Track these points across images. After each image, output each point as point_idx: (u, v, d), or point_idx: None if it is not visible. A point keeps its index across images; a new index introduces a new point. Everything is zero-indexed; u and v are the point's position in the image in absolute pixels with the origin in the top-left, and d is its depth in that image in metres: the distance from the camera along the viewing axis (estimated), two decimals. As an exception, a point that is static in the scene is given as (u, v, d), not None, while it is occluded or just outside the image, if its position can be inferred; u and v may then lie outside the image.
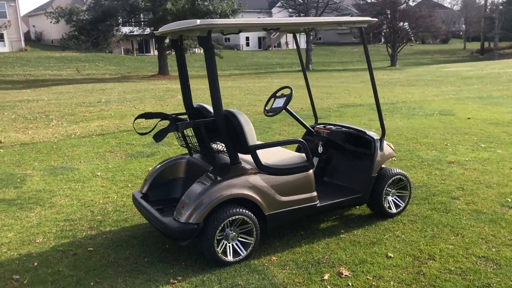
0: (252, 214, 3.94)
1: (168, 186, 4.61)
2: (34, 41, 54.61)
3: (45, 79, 28.68)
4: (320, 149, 5.17)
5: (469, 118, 10.68)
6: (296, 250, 4.16)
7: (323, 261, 3.94)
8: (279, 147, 4.73)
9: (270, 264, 3.91)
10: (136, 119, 4.48)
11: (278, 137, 8.92)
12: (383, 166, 4.93)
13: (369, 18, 4.46)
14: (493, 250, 4.05)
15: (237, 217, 3.85)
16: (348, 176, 4.98)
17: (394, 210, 4.84)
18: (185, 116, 4.61)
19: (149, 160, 7.36)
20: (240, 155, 4.18)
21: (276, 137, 8.96)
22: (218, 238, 3.82)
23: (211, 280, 3.65)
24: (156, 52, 38.27)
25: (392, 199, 4.88)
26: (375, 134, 4.83)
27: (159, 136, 3.79)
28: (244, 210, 3.89)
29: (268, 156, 4.34)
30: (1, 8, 44.90)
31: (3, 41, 45.65)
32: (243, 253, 3.95)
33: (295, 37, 5.54)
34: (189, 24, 3.73)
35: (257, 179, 4.00)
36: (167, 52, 34.48)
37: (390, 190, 4.83)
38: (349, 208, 5.09)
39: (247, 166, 4.09)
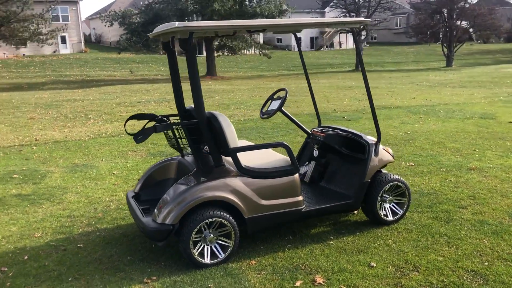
0: (230, 217, 3.92)
1: (158, 186, 4.68)
2: (94, 43, 57.08)
3: (100, 79, 29.95)
4: (315, 153, 5.08)
5: (510, 122, 10.09)
6: (278, 254, 4.10)
7: (302, 267, 3.86)
8: (269, 150, 4.69)
9: (248, 267, 3.88)
10: (127, 120, 4.59)
11: (300, 139, 8.81)
12: (382, 171, 4.78)
13: (362, 19, 4.33)
14: (486, 264, 3.81)
15: (214, 219, 3.85)
16: (342, 181, 4.86)
17: (390, 218, 4.66)
18: (177, 118, 4.67)
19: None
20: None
21: (298, 138, 8.86)
22: (194, 240, 3.83)
23: (184, 281, 3.68)
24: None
25: (389, 206, 4.70)
26: (371, 139, 4.67)
27: (138, 137, 3.86)
28: (221, 213, 3.88)
29: (252, 159, 4.32)
30: (63, 12, 47.30)
31: (65, 43, 48.08)
32: (221, 255, 3.95)
33: (296, 38, 5.46)
34: (169, 27, 3.78)
35: (237, 182, 3.98)
36: (218, 54, 35.03)
37: (387, 196, 4.66)
38: (345, 214, 4.96)
39: (230, 169, 4.08)
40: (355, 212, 4.96)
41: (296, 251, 4.17)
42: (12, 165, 7.45)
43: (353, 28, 4.38)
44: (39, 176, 6.73)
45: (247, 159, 4.34)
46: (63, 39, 48.03)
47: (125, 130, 4.93)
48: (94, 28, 59.99)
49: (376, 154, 4.58)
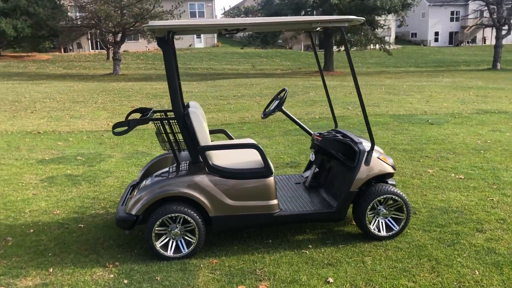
0: (195, 214, 3.99)
1: None
2: (227, 38, 59.98)
3: (222, 73, 31.55)
4: (311, 157, 4.87)
5: None
6: (245, 257, 4.07)
7: (257, 272, 3.79)
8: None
9: (206, 266, 3.92)
10: (129, 114, 4.86)
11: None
12: (390, 182, 4.44)
13: (351, 17, 4.02)
14: (456, 297, 3.35)
15: (177, 215, 3.96)
16: (332, 188, 4.60)
17: (383, 233, 4.30)
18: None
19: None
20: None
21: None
22: (158, 232, 3.98)
23: (138, 270, 3.85)
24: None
25: (384, 221, 4.34)
26: (367, 146, 4.33)
27: (115, 129, 4.11)
28: (185, 209, 3.97)
29: (229, 158, 4.32)
30: (200, 8, 50.58)
31: (200, 37, 51.39)
32: (185, 250, 4.04)
33: (310, 36, 5.25)
34: (150, 25, 3.93)
35: (205, 180, 4.03)
36: (338, 49, 34.52)
37: (382, 210, 4.30)
38: (342, 223, 4.69)
39: (203, 167, 4.14)
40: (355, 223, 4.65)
41: (265, 255, 4.08)
42: (85, 148, 8.35)
43: (341, 27, 4.10)
44: (98, 160, 7.44)
45: (225, 158, 4.36)
46: (198, 34, 51.33)
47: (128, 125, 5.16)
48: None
49: (367, 163, 4.24)
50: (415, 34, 62.14)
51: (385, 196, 4.25)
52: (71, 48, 45.51)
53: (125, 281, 3.67)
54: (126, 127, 4.22)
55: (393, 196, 4.26)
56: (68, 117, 11.81)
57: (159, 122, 4.25)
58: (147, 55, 43.06)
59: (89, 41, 46.51)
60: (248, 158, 4.27)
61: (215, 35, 52.72)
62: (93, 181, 6.32)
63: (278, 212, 4.16)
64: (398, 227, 4.33)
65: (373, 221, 4.32)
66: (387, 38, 52.76)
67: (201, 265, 3.93)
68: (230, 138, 5.25)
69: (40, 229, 4.72)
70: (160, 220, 3.95)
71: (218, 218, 4.06)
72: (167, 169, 4.36)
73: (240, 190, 4.08)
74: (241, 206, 4.08)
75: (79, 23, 30.90)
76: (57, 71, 30.65)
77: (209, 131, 5.14)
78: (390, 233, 4.32)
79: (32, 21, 33.04)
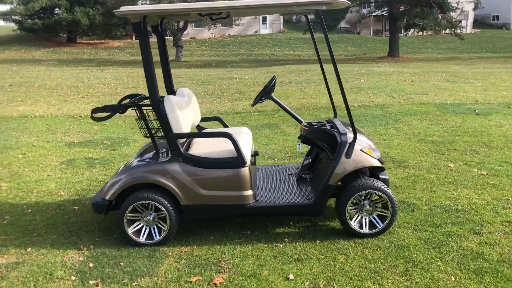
0: (166, 202, 3.98)
1: None
2: (295, 23, 59.41)
3: (282, 59, 31.34)
4: (298, 147, 4.67)
5: None
6: (216, 247, 4.01)
7: (221, 264, 3.72)
8: (243, 138, 4.50)
9: (174, 254, 3.91)
10: (122, 100, 4.91)
11: (394, 131, 7.96)
12: (382, 176, 4.19)
13: None
14: (416, 305, 3.09)
15: (148, 202, 3.97)
16: (315, 180, 4.39)
17: (365, 230, 4.05)
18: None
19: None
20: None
21: (390, 130, 8.02)
22: (129, 218, 4.02)
23: (108, 255, 3.90)
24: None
25: (367, 218, 4.08)
26: (350, 138, 4.07)
27: (93, 113, 4.16)
28: (156, 196, 3.96)
29: (205, 147, 4.25)
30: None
31: (266, 23, 51.30)
32: (156, 238, 4.05)
33: (306, 19, 5.00)
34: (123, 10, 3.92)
35: (177, 168, 4.00)
36: (405, 33, 33.03)
37: (365, 205, 4.04)
38: (330, 218, 4.48)
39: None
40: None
41: (236, 247, 4.00)
42: (116, 132, 8.64)
43: (318, 10, 3.85)
44: (122, 144, 7.67)
45: (202, 146, 4.30)
46: (264, 20, 51.31)
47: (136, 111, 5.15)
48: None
49: (348, 155, 3.99)
50: (497, 17, 57.96)
51: (367, 191, 3.98)
52: (141, 35, 47.24)
53: (91, 265, 3.75)
54: (109, 113, 4.29)
55: (376, 192, 3.98)
56: (113, 102, 12.26)
57: (136, 108, 4.25)
58: (212, 41, 43.73)
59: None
60: (225, 147, 4.18)
61: (281, 20, 52.41)
62: (108, 164, 6.51)
63: (252, 204, 4.05)
64: (382, 225, 4.05)
65: (356, 217, 4.08)
66: (463, 22, 49.69)
67: (170, 253, 3.93)
68: (225, 126, 5.17)
69: (38, 210, 4.94)
70: (132, 207, 3.98)
71: (189, 207, 4.02)
72: (145, 155, 4.38)
73: (212, 179, 4.00)
74: (212, 196, 4.01)
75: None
76: (125, 58, 32.01)
77: (203, 118, 5.11)
78: (373, 231, 4.06)
79: (104, 9, 34.64)
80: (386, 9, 31.25)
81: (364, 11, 37.17)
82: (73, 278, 3.57)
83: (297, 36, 46.21)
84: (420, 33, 42.55)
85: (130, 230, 4.03)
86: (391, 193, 4.01)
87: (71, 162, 6.67)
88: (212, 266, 3.69)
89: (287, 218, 4.53)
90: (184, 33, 47.28)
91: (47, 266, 3.74)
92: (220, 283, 3.44)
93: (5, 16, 32.96)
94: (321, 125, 4.50)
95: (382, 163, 4.13)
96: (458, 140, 7.16)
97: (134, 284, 3.47)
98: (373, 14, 33.89)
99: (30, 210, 4.92)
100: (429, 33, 31.68)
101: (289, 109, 4.93)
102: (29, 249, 4.04)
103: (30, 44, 36.66)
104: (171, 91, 4.83)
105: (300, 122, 4.81)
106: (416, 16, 29.52)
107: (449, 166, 5.91)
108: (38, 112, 10.66)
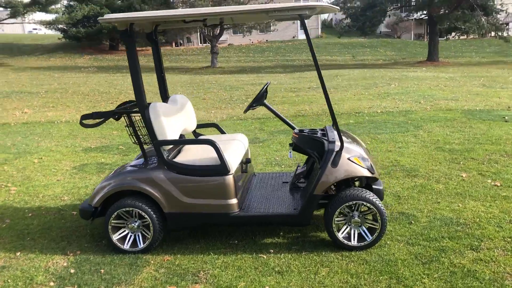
0: (149, 209, 3.96)
1: None
2: (333, 28, 58.86)
3: (319, 64, 31.02)
4: (289, 155, 4.54)
5: None
6: (199, 256, 3.95)
7: (199, 274, 3.66)
8: (233, 145, 4.42)
9: (155, 262, 3.87)
10: (119, 106, 4.94)
11: (407, 139, 7.67)
12: (375, 186, 4.04)
13: (313, 4, 3.65)
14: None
15: (131, 209, 3.96)
16: (303, 189, 4.25)
17: (353, 243, 3.89)
18: None
19: (257, 146, 7.58)
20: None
21: (408, 138, 7.73)
22: (114, 225, 4.03)
23: (92, 261, 3.91)
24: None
25: (356, 230, 3.91)
26: (338, 146, 3.92)
27: (83, 120, 4.21)
28: (139, 204, 3.95)
29: (191, 154, 4.21)
30: (305, -1, 50.30)
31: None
32: (140, 245, 4.03)
33: (303, 24, 4.86)
34: (107, 18, 3.95)
35: (161, 176, 3.97)
36: (447, 36, 32.07)
37: (354, 217, 3.88)
38: (322, 228, 4.34)
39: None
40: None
41: (219, 257, 3.92)
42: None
43: (301, 15, 3.74)
44: (136, 150, 7.74)
45: (190, 153, 4.27)
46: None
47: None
48: (335, 14, 61.77)
49: (334, 164, 3.84)
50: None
51: (354, 202, 3.82)
52: (181, 42, 48.13)
53: (72, 271, 3.77)
54: (101, 119, 4.34)
55: (364, 203, 3.81)
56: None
57: (125, 115, 4.26)
58: (250, 48, 43.91)
59: (198, 35, 48.69)
60: (210, 155, 4.12)
61: (319, 25, 52.06)
62: (117, 170, 6.58)
63: (236, 213, 3.96)
64: (370, 238, 3.88)
65: (344, 229, 3.92)
66: (511, 25, 47.66)
67: (152, 261, 3.90)
68: (222, 132, 5.12)
69: (38, 214, 5.04)
70: (116, 213, 3.98)
71: (173, 214, 3.99)
72: (135, 162, 4.38)
73: (195, 187, 3.95)
74: (196, 204, 3.95)
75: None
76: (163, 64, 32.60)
77: (200, 125, 5.08)
78: (362, 244, 3.88)
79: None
80: (425, 12, 30.42)
81: (403, 14, 36.32)
82: (51, 284, 3.59)
83: (334, 41, 45.75)
84: (464, 37, 41.18)
85: (115, 237, 4.03)
86: (380, 205, 3.82)
87: (82, 167, 6.80)
88: (190, 276, 3.63)
89: (278, 228, 4.41)
90: (221, 39, 47.82)
91: (30, 271, 3.79)
92: (194, 294, 3.38)
93: (50, 25, 34.33)
94: (312, 132, 4.36)
95: (372, 173, 3.95)
96: (478, 149, 6.81)
97: (109, 291, 3.47)
98: (412, 17, 33.02)
99: (30, 214, 5.03)
100: (474, 36, 30.51)
101: (282, 116, 4.82)
102: (18, 253, 4.11)
103: (74, 51, 38.04)
104: (165, 97, 4.83)
105: (293, 128, 4.68)
106: (458, 19, 28.57)
107: (462, 176, 5.62)
108: (65, 117, 10.98)
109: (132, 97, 14.59)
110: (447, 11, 28.56)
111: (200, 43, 49.09)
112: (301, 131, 4.44)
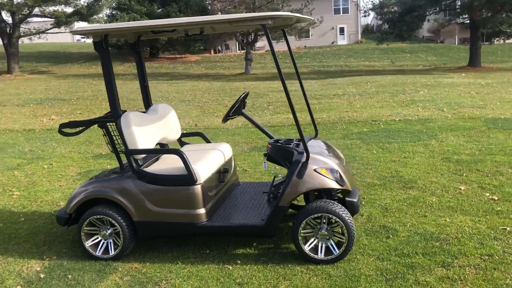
0: (119, 217, 4.02)
1: None
2: (375, 33, 57.93)
3: (354, 70, 30.64)
4: (264, 165, 4.49)
5: None
6: (166, 265, 3.97)
7: (161, 283, 3.68)
8: (212, 154, 4.44)
9: (123, 270, 3.92)
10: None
11: (421, 148, 7.42)
12: (349, 198, 3.95)
13: (277, 13, 3.62)
14: None
15: (101, 216, 4.04)
16: (274, 200, 4.19)
17: (319, 256, 3.80)
18: None
19: (261, 155, 7.56)
20: None
21: (419, 148, 7.49)
22: (87, 232, 4.11)
23: (64, 267, 4.00)
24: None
25: (324, 243, 3.82)
26: (304, 156, 3.85)
27: (61, 128, 4.34)
28: (109, 211, 4.02)
29: (165, 163, 4.25)
30: (344, 4, 49.85)
31: (343, 34, 50.58)
32: (111, 252, 4.10)
33: (284, 35, 4.82)
34: (79, 29, 4.07)
35: (130, 184, 4.03)
36: (493, 40, 30.89)
37: (321, 230, 3.80)
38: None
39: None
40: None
41: (186, 266, 3.93)
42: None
43: (264, 25, 3.70)
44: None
45: (164, 162, 4.31)
46: (342, 30, 50.62)
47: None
48: (376, 18, 60.78)
49: (300, 175, 3.78)
50: None
51: (319, 214, 3.74)
52: (219, 49, 48.72)
53: (41, 276, 3.88)
54: (81, 128, 4.47)
55: (330, 215, 3.72)
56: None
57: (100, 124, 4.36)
58: (287, 54, 43.83)
59: (236, 42, 49.15)
60: (181, 164, 4.13)
61: (359, 30, 51.38)
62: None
63: (203, 223, 3.96)
64: (337, 251, 3.77)
65: (311, 241, 3.84)
66: None
67: (120, 269, 3.95)
68: (208, 141, 5.14)
69: (30, 219, 5.22)
70: (88, 221, 4.07)
71: (141, 223, 4.03)
72: (108, 171, 4.46)
73: (163, 196, 3.99)
74: (163, 213, 3.98)
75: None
76: (199, 71, 33.12)
77: (185, 134, 5.12)
78: (329, 257, 3.79)
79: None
80: (466, 16, 29.44)
81: (445, 19, 35.25)
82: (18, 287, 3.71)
83: (373, 46, 44.97)
84: (510, 41, 39.49)
85: (88, 244, 4.12)
86: (347, 217, 3.72)
87: (87, 173, 6.98)
88: (151, 285, 3.66)
89: (252, 239, 4.37)
90: (260, 46, 48.05)
91: (3, 275, 3.92)
92: (149, 303, 3.40)
93: (93, 34, 35.54)
94: (286, 143, 4.30)
95: (341, 185, 3.85)
96: (487, 160, 6.50)
97: (69, 298, 3.54)
98: (452, 22, 31.98)
99: (23, 219, 5.21)
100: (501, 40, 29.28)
101: (260, 126, 4.79)
102: (-1, 257, 4.28)
103: (116, 59, 39.18)
104: (148, 106, 4.90)
105: (271, 138, 4.64)
106: (502, 23, 27.48)
107: (459, 189, 5.38)
108: (87, 124, 11.34)
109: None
110: (489, 14, 27.52)
111: (238, 49, 49.50)
112: (276, 141, 4.39)
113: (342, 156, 4.47)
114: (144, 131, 4.21)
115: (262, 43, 48.01)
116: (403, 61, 36.20)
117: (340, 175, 3.90)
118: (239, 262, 3.95)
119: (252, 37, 30.20)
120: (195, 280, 3.69)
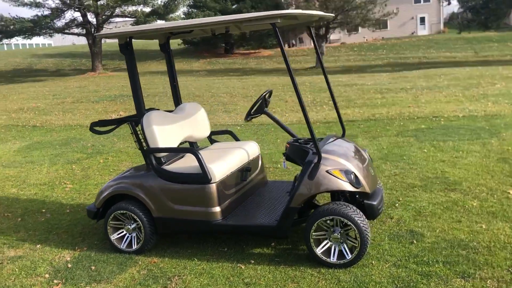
0: (141, 213, 4.18)
1: None
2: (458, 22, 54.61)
3: (433, 62, 29.16)
4: (283, 165, 4.42)
5: None
6: (183, 261, 4.06)
7: (173, 279, 3.79)
8: (240, 152, 4.49)
9: (141, 263, 4.07)
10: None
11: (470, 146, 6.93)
12: (368, 202, 3.83)
13: (284, 12, 3.55)
14: None
15: (125, 211, 4.23)
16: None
17: (331, 260, 3.71)
18: None
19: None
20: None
21: (467, 146, 7.00)
22: (112, 225, 4.33)
23: (91, 258, 4.23)
24: None
25: (337, 246, 3.72)
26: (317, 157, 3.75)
27: (93, 127, 4.59)
28: (132, 207, 4.19)
29: (186, 162, 4.33)
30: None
31: (424, 24, 48.29)
32: (134, 246, 4.28)
33: (310, 32, 4.69)
34: (103, 33, 4.28)
35: (150, 181, 4.18)
36: None
37: (334, 233, 3.70)
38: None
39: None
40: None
41: (201, 263, 4.01)
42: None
43: (274, 24, 3.62)
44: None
45: (185, 161, 4.40)
46: (422, 20, 48.35)
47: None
48: (460, 7, 57.29)
49: (311, 176, 3.69)
50: None
51: (331, 217, 3.63)
52: (293, 43, 48.55)
53: (69, 265, 4.14)
54: (113, 126, 4.70)
55: (342, 219, 3.60)
56: (217, 110, 12.94)
57: (128, 123, 4.54)
58: (363, 46, 42.68)
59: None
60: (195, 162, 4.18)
61: (441, 20, 48.77)
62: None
63: (218, 221, 4.01)
64: (350, 256, 3.65)
65: (324, 244, 3.74)
66: None
67: (140, 262, 4.11)
68: (236, 139, 5.17)
69: (75, 211, 5.56)
70: (113, 215, 4.28)
71: (160, 219, 4.16)
72: (134, 168, 4.63)
73: (180, 194, 4.08)
74: (180, 210, 4.08)
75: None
76: (271, 66, 33.24)
77: (214, 132, 5.18)
78: (341, 262, 3.67)
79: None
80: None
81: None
82: (46, 276, 3.99)
83: (456, 36, 42.46)
84: None
85: (113, 237, 4.33)
86: (360, 221, 3.58)
87: (88, 169, 7.35)
88: (163, 280, 3.77)
89: (271, 239, 4.33)
90: (334, 38, 47.23)
91: (37, 263, 4.23)
92: (158, 297, 3.51)
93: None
94: (305, 142, 4.21)
95: (356, 187, 3.71)
96: (549, 160, 5.92)
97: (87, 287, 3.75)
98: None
99: (68, 211, 5.58)
100: None
101: (284, 125, 4.72)
102: (38, 246, 4.61)
103: (192, 56, 40.51)
104: (177, 105, 5.02)
105: (294, 137, 4.56)
106: None
107: (507, 193, 4.97)
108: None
109: (220, 100, 15.20)
110: None
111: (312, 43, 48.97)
112: (296, 141, 4.32)
113: (367, 157, 4.30)
114: (166, 130, 4.33)
115: (337, 35, 47.19)
116: (488, 51, 33.78)
117: (356, 177, 3.76)
118: (253, 261, 3.95)
119: (324, 31, 29.72)
120: (206, 278, 3.75)
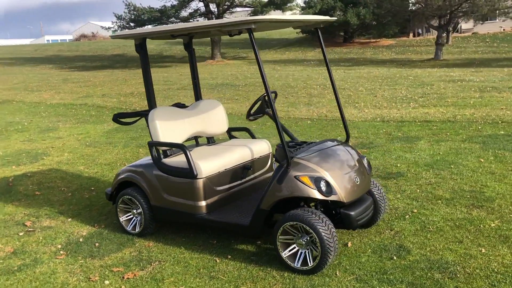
0: (141, 199, 4.56)
1: None
2: None
3: None
4: (274, 167, 4.41)
5: None
6: (170, 248, 4.36)
7: (153, 263, 4.09)
8: (243, 150, 4.64)
9: (139, 246, 4.45)
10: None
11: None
12: (344, 211, 3.79)
13: (259, 18, 3.59)
14: None
15: (129, 197, 4.65)
16: None
17: (295, 265, 3.72)
18: None
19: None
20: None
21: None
22: (122, 208, 4.78)
23: (102, 236, 4.73)
24: None
25: (303, 252, 3.71)
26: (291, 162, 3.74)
27: (117, 117, 5.04)
28: (134, 193, 4.60)
29: (183, 156, 4.58)
30: None
31: None
32: (137, 229, 4.68)
33: (318, 34, 4.58)
34: (118, 34, 4.70)
35: (150, 172, 4.53)
36: None
37: (300, 238, 3.70)
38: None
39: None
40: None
41: (184, 251, 4.26)
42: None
43: (248, 29, 3.65)
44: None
45: (183, 155, 4.66)
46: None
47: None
48: None
49: (279, 181, 3.71)
50: None
51: (295, 222, 3.62)
52: (419, 32, 45.85)
53: (81, 240, 4.69)
54: (135, 118, 5.13)
55: (304, 226, 3.58)
56: (299, 103, 12.93)
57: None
58: (497, 36, 38.75)
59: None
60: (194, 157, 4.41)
61: None
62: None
63: (202, 215, 4.22)
64: (311, 263, 3.61)
65: (291, 248, 3.75)
66: None
67: (137, 245, 4.49)
68: (253, 137, 5.29)
69: (101, 189, 6.16)
70: (121, 199, 4.73)
71: (156, 207, 4.50)
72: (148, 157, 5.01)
73: (172, 186, 4.37)
74: (171, 201, 4.38)
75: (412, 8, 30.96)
76: (387, 57, 31.91)
77: (232, 128, 5.35)
78: (304, 268, 3.66)
79: (378, 9, 35.06)
80: None
81: None
82: (58, 246, 4.58)
83: None
84: None
85: (122, 219, 4.78)
86: (322, 230, 3.52)
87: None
88: (143, 263, 4.09)
89: (263, 236, 4.41)
90: (467, 28, 43.53)
91: (59, 234, 4.86)
92: (127, 278, 3.86)
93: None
94: (292, 146, 4.19)
95: (325, 195, 3.63)
96: None
97: (81, 261, 4.23)
98: None
99: (93, 188, 6.22)
100: None
101: (284, 127, 4.68)
102: (69, 219, 5.26)
103: (308, 45, 40.49)
104: (200, 97, 5.29)
105: (293, 140, 4.55)
106: None
107: (539, 215, 4.40)
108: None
109: (308, 91, 15.14)
110: None
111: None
112: (287, 143, 4.31)
113: (365, 165, 4.15)
114: (171, 125, 4.62)
115: (469, 25, 43.35)
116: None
117: (328, 185, 3.67)
118: (229, 257, 4.10)
119: (447, 20, 27.63)
120: (180, 266, 3.99)
